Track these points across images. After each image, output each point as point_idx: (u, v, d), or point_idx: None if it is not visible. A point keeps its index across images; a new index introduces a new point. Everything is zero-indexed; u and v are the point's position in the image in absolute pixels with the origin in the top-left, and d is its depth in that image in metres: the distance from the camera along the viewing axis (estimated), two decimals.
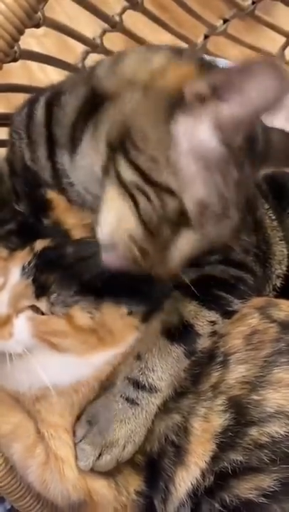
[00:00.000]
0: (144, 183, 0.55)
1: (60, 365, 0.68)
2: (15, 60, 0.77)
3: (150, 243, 0.57)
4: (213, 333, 0.71)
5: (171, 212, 0.55)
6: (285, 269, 0.82)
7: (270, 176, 0.88)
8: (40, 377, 0.65)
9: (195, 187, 0.55)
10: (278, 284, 0.81)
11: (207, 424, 0.67)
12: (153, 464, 0.68)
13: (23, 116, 0.72)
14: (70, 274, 0.63)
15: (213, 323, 0.71)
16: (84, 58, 0.99)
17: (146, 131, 0.56)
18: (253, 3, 0.92)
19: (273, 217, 0.84)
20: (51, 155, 0.69)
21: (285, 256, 0.82)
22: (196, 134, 0.55)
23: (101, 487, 0.68)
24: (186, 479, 0.67)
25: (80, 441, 0.67)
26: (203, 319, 0.71)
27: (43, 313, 0.64)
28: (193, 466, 0.67)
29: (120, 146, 0.57)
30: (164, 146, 0.55)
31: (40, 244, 0.65)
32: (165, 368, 0.67)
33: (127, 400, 0.67)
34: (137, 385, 0.67)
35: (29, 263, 0.63)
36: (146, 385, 0.67)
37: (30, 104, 0.72)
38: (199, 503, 0.66)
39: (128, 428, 0.66)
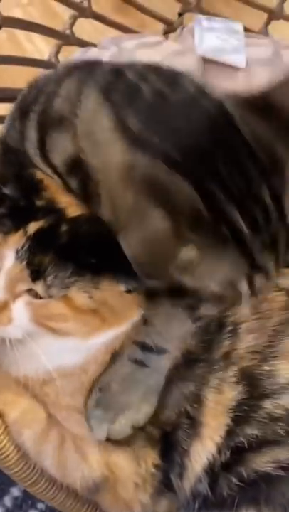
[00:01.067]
0: None
1: (64, 349, 0.66)
2: None
3: None
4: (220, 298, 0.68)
5: None
6: None
7: None
8: (42, 361, 0.64)
9: None
10: None
11: (220, 396, 0.66)
12: (168, 437, 0.67)
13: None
14: (65, 253, 0.61)
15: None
16: (72, 24, 0.95)
17: None
18: None
19: None
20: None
21: None
22: None
23: (121, 459, 0.67)
24: (201, 454, 0.66)
25: (94, 408, 0.66)
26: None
27: (41, 298, 0.62)
28: (209, 441, 0.65)
29: None
30: None
31: (33, 226, 0.62)
32: (170, 330, 0.67)
33: (136, 362, 0.66)
34: (145, 347, 0.66)
35: (22, 246, 0.61)
36: (154, 346, 0.66)
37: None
38: (216, 478, 0.65)
39: (140, 390, 0.66)
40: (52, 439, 0.67)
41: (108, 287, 0.63)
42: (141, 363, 0.66)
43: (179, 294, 0.65)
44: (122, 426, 0.66)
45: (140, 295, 0.67)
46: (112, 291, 0.63)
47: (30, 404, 0.68)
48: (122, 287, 0.63)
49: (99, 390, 0.66)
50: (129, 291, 0.64)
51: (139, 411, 0.66)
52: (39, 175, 0.65)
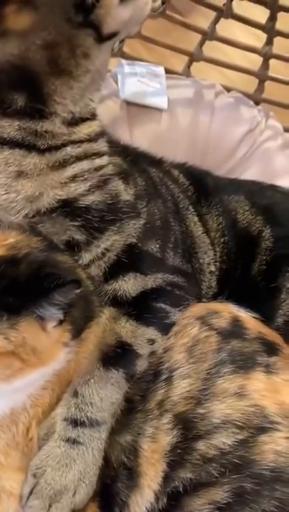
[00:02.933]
0: None
1: None
2: None
3: None
4: (153, 353, 0.70)
5: None
6: (212, 255, 0.82)
7: (187, 170, 0.90)
8: None
9: None
10: (213, 270, 0.82)
11: (155, 444, 0.66)
12: (107, 489, 0.67)
13: None
14: None
15: (152, 341, 0.70)
16: None
17: None
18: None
19: (194, 212, 0.84)
20: None
21: (208, 244, 0.83)
22: None
23: None
24: (140, 504, 0.66)
25: (28, 498, 0.64)
26: (141, 337, 0.69)
27: None
28: (147, 489, 0.66)
29: None
30: None
31: None
32: (105, 397, 0.65)
33: (68, 441, 0.64)
34: (76, 423, 0.64)
35: None
36: (86, 420, 0.64)
37: None
38: None
39: (75, 470, 0.63)
40: None
41: (27, 327, 0.62)
42: (73, 442, 0.64)
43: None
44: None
45: (66, 332, 0.66)
46: (32, 331, 0.62)
47: None
48: (47, 323, 0.63)
49: (33, 476, 0.64)
50: (60, 323, 0.63)
51: (76, 494, 0.64)
52: None
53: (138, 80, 1.01)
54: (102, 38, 0.70)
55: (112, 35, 0.72)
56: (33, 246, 0.67)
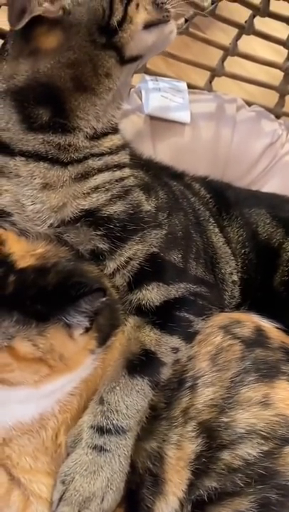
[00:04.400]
0: None
1: (18, 401, 0.66)
2: None
3: None
4: (177, 361, 0.71)
5: None
6: (233, 265, 0.83)
7: (208, 183, 0.91)
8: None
9: None
10: (235, 280, 0.83)
11: (180, 451, 0.67)
12: (133, 495, 0.67)
13: None
14: (10, 303, 0.62)
15: (176, 350, 0.71)
16: None
17: None
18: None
19: (214, 223, 0.86)
20: None
21: (230, 255, 0.84)
22: None
23: None
24: (165, 511, 0.66)
25: (58, 504, 0.64)
26: (165, 346, 0.70)
27: None
28: (172, 497, 0.66)
29: None
30: None
31: None
32: (130, 405, 0.66)
33: (95, 448, 0.65)
34: (102, 430, 0.65)
35: None
36: (112, 428, 0.65)
37: None
38: None
39: (103, 477, 0.64)
40: (12, 503, 0.66)
41: (55, 334, 0.63)
42: (100, 449, 0.65)
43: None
44: None
45: (92, 340, 0.68)
46: (60, 338, 0.64)
47: None
48: (76, 331, 0.64)
49: (62, 483, 0.65)
50: (87, 330, 0.64)
51: (104, 500, 0.64)
52: None
53: (161, 95, 1.03)
54: (123, 60, 0.73)
55: (135, 59, 0.75)
56: (60, 255, 0.69)
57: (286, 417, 0.67)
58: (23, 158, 0.72)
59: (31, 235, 0.72)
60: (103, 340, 0.70)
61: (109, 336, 0.70)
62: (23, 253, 0.67)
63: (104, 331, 0.70)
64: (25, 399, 0.66)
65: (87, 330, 0.65)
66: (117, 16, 0.71)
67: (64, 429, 0.67)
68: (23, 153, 0.72)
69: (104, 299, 0.63)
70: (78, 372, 0.67)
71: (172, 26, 0.76)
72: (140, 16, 0.73)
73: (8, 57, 0.74)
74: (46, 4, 0.66)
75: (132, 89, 1.04)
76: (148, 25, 0.74)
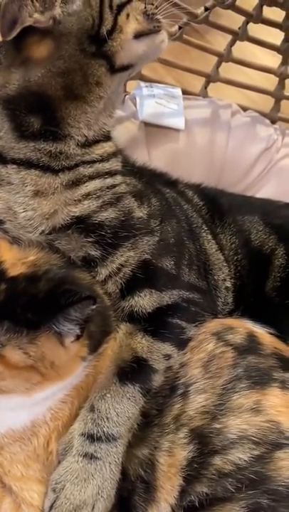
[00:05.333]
0: None
1: (9, 408, 0.66)
2: None
3: None
4: (169, 368, 0.71)
5: None
6: (226, 271, 0.84)
7: (201, 191, 0.91)
8: None
9: None
10: (229, 286, 0.83)
11: (172, 458, 0.67)
12: (124, 503, 0.67)
13: None
14: (1, 312, 0.62)
15: (168, 356, 0.71)
16: None
17: None
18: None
19: (207, 230, 0.86)
20: None
21: (223, 261, 0.84)
22: None
23: None
24: None
25: None
26: (157, 353, 0.71)
27: None
28: (163, 503, 0.66)
29: None
30: None
31: None
32: (121, 412, 0.66)
33: (86, 456, 0.65)
34: (92, 437, 0.65)
35: None
36: (103, 435, 0.65)
37: None
38: None
39: (93, 485, 0.64)
40: (4, 510, 0.67)
41: (46, 342, 0.64)
42: (91, 457, 0.65)
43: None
44: None
45: (83, 347, 0.68)
46: (51, 346, 0.64)
47: None
48: (67, 339, 0.64)
49: (53, 491, 0.65)
50: (78, 338, 0.65)
51: (95, 508, 0.64)
52: None
53: (156, 101, 1.03)
54: (114, 69, 0.74)
55: (126, 67, 0.76)
56: (52, 263, 0.69)
57: (277, 423, 0.67)
58: (14, 166, 0.73)
59: (23, 242, 0.72)
60: (95, 347, 0.70)
61: (101, 343, 0.71)
62: (15, 261, 0.67)
63: (95, 338, 0.70)
64: (17, 406, 0.66)
65: (78, 337, 0.65)
66: (107, 25, 0.71)
67: (55, 436, 0.67)
68: (14, 161, 0.73)
69: (94, 306, 0.63)
70: (70, 380, 0.68)
71: (163, 36, 0.77)
72: (130, 25, 0.73)
73: (0, 67, 0.75)
74: (37, 15, 0.67)
75: (127, 96, 1.05)
76: (138, 35, 0.74)
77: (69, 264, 0.72)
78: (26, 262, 0.68)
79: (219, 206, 0.90)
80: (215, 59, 1.17)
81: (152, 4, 0.77)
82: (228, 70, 1.19)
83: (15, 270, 0.66)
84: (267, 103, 1.25)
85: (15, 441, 0.67)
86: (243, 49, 1.17)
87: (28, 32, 0.69)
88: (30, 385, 0.65)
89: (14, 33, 0.67)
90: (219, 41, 1.21)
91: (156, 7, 0.77)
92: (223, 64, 1.17)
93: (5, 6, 0.67)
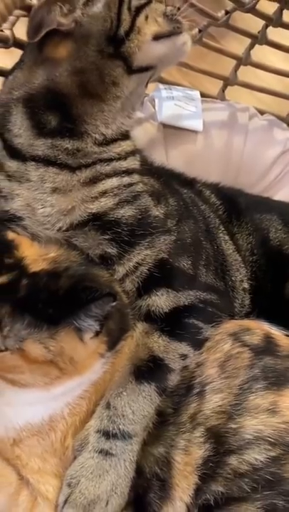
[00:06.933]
0: None
1: (28, 402, 0.67)
2: None
3: None
4: (185, 368, 0.71)
5: None
6: (244, 272, 0.84)
7: (219, 190, 0.92)
8: (10, 417, 0.64)
9: None
10: (246, 288, 0.83)
11: (188, 457, 0.67)
12: (140, 499, 0.68)
13: None
14: (22, 306, 0.63)
15: (184, 356, 0.71)
16: None
17: None
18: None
19: (224, 231, 0.86)
20: None
21: (240, 262, 0.85)
22: None
23: None
24: None
25: (63, 506, 0.65)
26: (174, 352, 0.71)
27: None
28: (179, 501, 0.67)
29: None
30: None
31: None
32: (136, 410, 0.66)
33: (101, 452, 0.65)
34: (108, 434, 0.66)
35: None
36: (118, 432, 0.66)
37: None
38: None
39: (108, 481, 0.65)
40: (21, 502, 0.67)
41: (65, 337, 0.64)
42: (106, 453, 0.65)
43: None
44: None
45: (102, 344, 0.69)
46: (70, 341, 0.65)
47: (1, 467, 0.68)
48: (86, 335, 0.65)
49: (68, 486, 0.66)
50: (97, 334, 0.65)
51: (109, 504, 0.65)
52: (10, 235, 0.70)
53: (175, 103, 1.04)
54: (131, 70, 0.75)
55: (145, 69, 0.76)
56: (72, 260, 0.70)
57: None
58: (33, 163, 0.74)
59: (42, 239, 0.73)
60: (113, 344, 0.70)
61: (118, 341, 0.71)
62: (36, 257, 0.68)
63: (114, 335, 0.71)
64: (36, 401, 0.67)
65: (97, 334, 0.66)
66: (125, 26, 0.73)
67: (72, 431, 0.68)
68: (33, 158, 0.74)
69: (114, 303, 0.64)
70: (88, 376, 0.68)
71: (185, 38, 0.77)
72: (149, 27, 0.74)
73: (23, 66, 0.76)
74: (61, 18, 0.69)
75: (146, 98, 1.06)
76: (158, 37, 0.75)
77: (88, 261, 0.73)
78: (47, 259, 0.68)
79: (237, 205, 0.90)
80: (230, 62, 1.18)
81: (174, 6, 0.77)
82: (243, 73, 1.20)
83: (36, 266, 0.66)
84: (283, 107, 1.25)
85: (33, 435, 0.67)
86: (258, 53, 1.18)
87: (50, 34, 0.70)
88: (49, 380, 0.65)
89: (39, 36, 0.69)
90: (235, 46, 1.21)
91: (178, 9, 0.77)
92: (239, 69, 1.18)
93: (35, 11, 0.69)
